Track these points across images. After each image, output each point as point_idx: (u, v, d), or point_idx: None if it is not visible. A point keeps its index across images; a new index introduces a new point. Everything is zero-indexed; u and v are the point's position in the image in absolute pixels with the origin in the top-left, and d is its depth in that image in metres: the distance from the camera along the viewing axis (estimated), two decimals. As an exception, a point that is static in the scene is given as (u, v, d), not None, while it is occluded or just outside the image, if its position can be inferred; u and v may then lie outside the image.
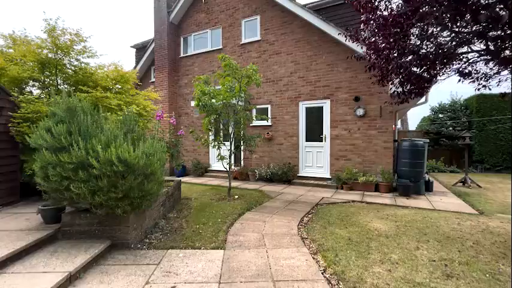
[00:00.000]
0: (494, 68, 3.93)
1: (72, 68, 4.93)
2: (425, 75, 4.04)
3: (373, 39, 4.21)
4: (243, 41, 8.83)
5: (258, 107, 8.39)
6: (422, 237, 3.52)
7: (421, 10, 3.39)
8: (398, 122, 13.53)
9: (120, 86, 5.49)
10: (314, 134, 7.77)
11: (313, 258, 2.95)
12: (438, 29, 3.71)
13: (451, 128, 11.98)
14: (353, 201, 5.70)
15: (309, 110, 7.85)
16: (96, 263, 2.74)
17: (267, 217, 4.47)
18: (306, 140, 7.88)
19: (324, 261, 2.87)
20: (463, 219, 4.34)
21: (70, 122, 2.95)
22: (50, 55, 4.62)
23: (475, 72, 3.99)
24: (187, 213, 4.65)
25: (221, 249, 3.19)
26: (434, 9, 3.12)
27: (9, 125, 3.98)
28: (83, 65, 4.98)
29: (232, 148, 5.92)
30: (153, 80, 10.80)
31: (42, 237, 2.87)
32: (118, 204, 2.91)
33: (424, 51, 3.60)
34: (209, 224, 4.05)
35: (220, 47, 9.27)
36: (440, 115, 12.78)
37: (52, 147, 2.80)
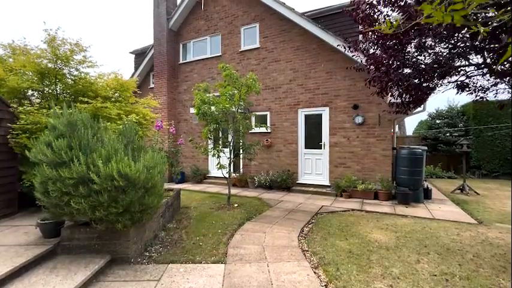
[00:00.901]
0: (491, 80, 3.99)
1: (72, 77, 4.93)
2: (424, 85, 4.09)
3: (372, 50, 4.26)
4: (242, 48, 8.88)
5: (257, 113, 8.42)
6: (422, 249, 3.53)
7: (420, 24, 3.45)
8: (396, 127, 13.60)
9: (119, 95, 5.49)
10: (313, 141, 7.80)
11: (315, 272, 2.94)
12: (436, 41, 3.77)
13: (448, 134, 12.07)
14: (352, 209, 5.71)
15: (308, 117, 7.88)
16: (96, 279, 2.71)
17: (267, 227, 4.46)
18: (305, 147, 7.90)
19: (325, 276, 2.87)
20: (462, 230, 4.36)
21: (71, 137, 2.93)
22: (49, 65, 4.61)
23: (472, 84, 4.05)
24: (187, 224, 4.63)
25: (222, 263, 3.17)
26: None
27: (8, 136, 3.95)
28: (82, 74, 4.97)
29: (232, 156, 5.92)
30: (152, 86, 10.81)
31: (41, 252, 2.84)
32: (118, 219, 2.89)
33: (422, 66, 3.65)
34: (209, 236, 4.03)
35: (220, 54, 9.31)
36: (437, 121, 12.89)
37: (52, 162, 2.79)
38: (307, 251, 3.57)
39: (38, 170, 2.84)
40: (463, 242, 3.82)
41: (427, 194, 6.66)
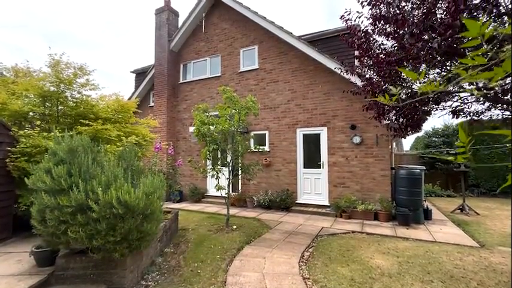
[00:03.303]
0: (484, 105, 4.10)
1: (74, 100, 4.99)
2: (420, 108, 4.18)
3: (368, 75, 4.39)
4: (241, 69, 9.09)
5: (256, 133, 8.49)
6: (425, 277, 3.46)
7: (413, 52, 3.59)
8: (394, 144, 13.73)
9: (119, 115, 5.54)
10: (312, 160, 7.82)
11: (317, 303, 2.86)
12: (430, 66, 3.90)
13: (445, 152, 12.17)
14: (353, 231, 5.63)
15: (306, 137, 7.95)
16: (91, 313, 2.61)
17: (266, 252, 4.37)
18: (304, 167, 7.90)
19: (327, 307, 2.78)
20: (464, 254, 4.30)
21: (71, 163, 2.93)
22: (52, 88, 4.67)
23: (467, 109, 4.15)
24: (185, 248, 4.53)
25: (221, 293, 3.08)
26: (426, 55, 3.30)
27: (7, 160, 3.94)
28: (84, 97, 5.03)
29: (231, 177, 5.91)
30: (151, 104, 10.93)
31: (34, 284, 2.76)
32: (116, 248, 2.83)
33: (417, 88, 3.75)
34: (208, 262, 3.93)
35: (219, 74, 9.51)
36: (434, 139, 13.04)
37: (51, 189, 2.77)
38: (308, 278, 3.48)
39: (36, 198, 2.82)
40: (466, 268, 3.76)
41: (427, 215, 6.61)
